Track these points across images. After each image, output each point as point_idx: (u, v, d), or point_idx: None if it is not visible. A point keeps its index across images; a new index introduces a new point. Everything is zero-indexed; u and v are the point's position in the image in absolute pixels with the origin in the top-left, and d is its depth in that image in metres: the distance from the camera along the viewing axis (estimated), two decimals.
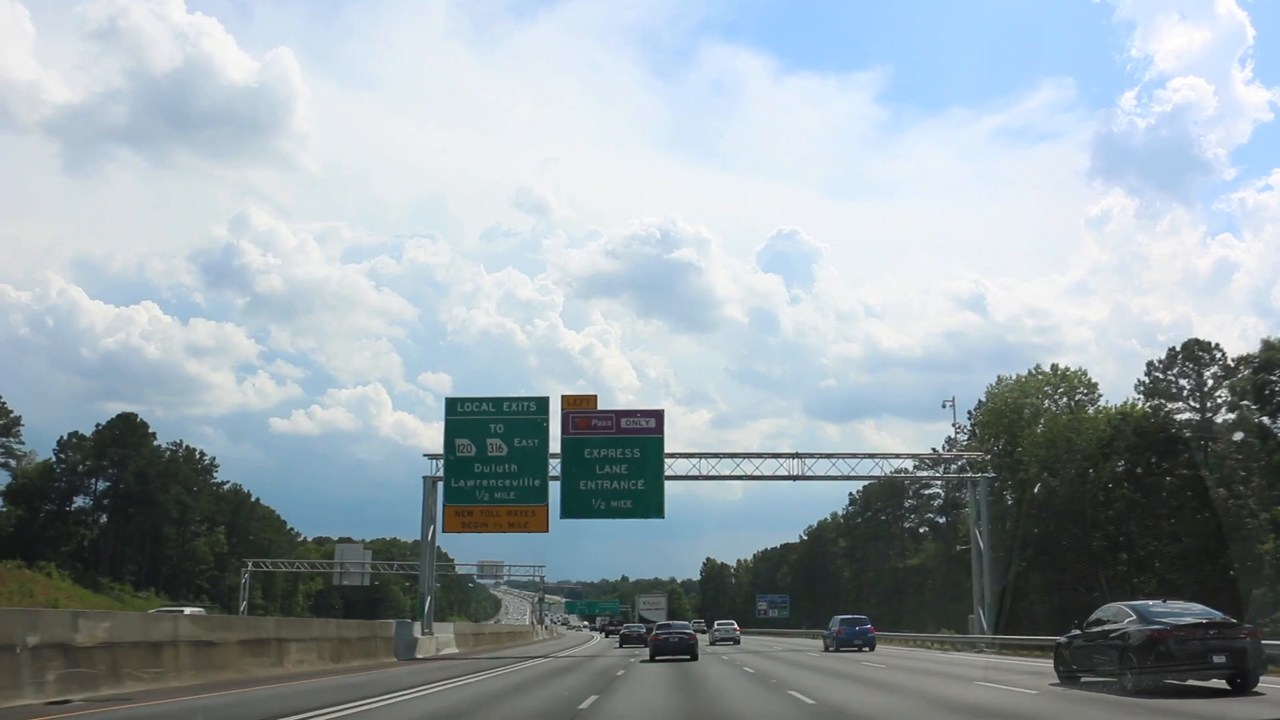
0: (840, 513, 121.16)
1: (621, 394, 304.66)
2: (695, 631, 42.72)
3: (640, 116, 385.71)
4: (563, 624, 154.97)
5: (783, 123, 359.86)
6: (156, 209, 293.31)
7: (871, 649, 43.67)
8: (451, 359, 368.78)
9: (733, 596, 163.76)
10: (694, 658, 35.95)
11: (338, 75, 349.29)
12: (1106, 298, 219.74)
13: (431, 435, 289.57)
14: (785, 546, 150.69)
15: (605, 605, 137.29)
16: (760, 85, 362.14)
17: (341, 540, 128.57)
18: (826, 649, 46.05)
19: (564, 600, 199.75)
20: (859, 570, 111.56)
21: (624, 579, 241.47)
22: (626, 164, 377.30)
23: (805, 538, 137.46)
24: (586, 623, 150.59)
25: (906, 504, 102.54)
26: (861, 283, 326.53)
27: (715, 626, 74.17)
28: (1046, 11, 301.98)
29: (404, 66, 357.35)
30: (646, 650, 40.26)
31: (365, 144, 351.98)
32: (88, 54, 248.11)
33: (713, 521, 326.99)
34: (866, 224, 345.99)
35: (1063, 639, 22.04)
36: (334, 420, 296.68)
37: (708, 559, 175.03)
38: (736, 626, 73.91)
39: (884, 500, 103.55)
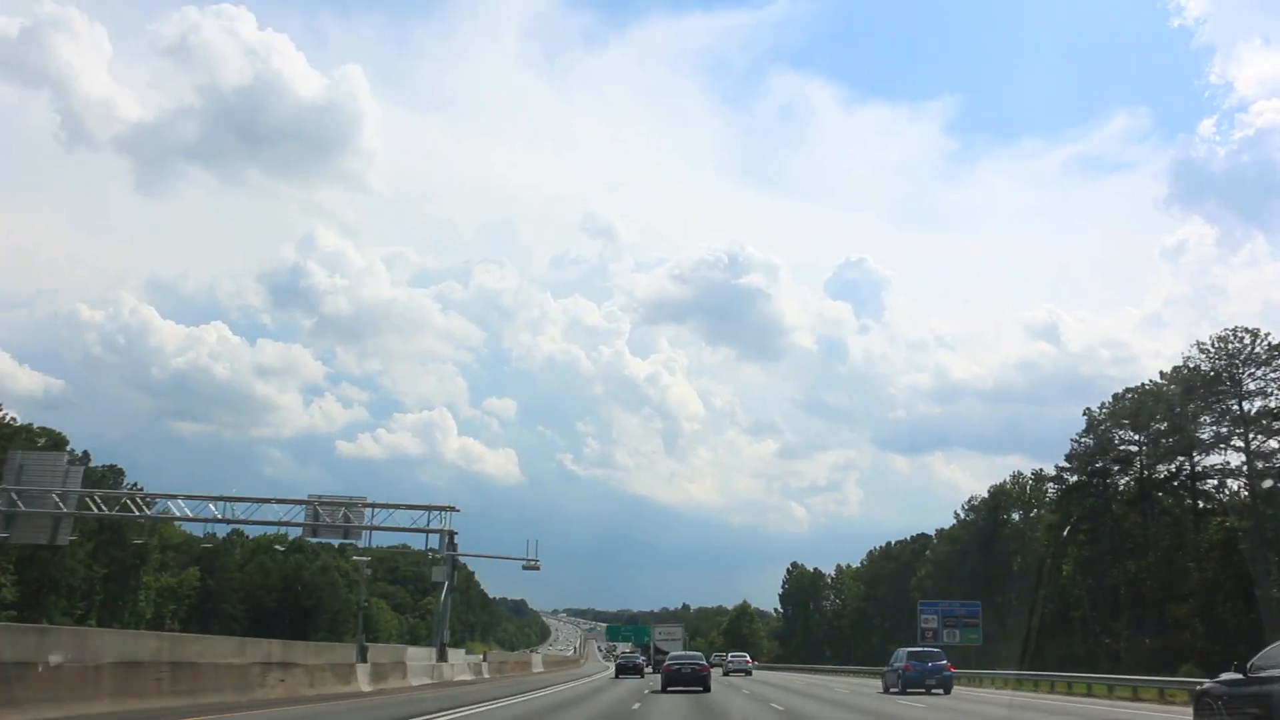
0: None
1: (686, 422, 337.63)
2: (710, 664, 43.64)
3: (708, 142, 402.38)
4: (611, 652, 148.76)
5: (851, 151, 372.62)
6: (225, 227, 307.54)
7: (947, 691, 39.48)
8: (517, 385, 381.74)
9: (831, 619, 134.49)
10: (706, 689, 37.11)
11: (407, 97, 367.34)
12: (1181, 331, 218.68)
13: (497, 461, 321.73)
14: (918, 538, 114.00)
15: (632, 632, 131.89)
16: (829, 113, 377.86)
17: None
18: (887, 690, 41.63)
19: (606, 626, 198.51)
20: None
21: (685, 607, 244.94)
22: (694, 190, 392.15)
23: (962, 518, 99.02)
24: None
25: None
26: (931, 312, 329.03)
27: (729, 658, 78.85)
28: (1121, 40, 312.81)
29: (475, 90, 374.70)
30: (658, 681, 42.07)
31: (434, 166, 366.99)
32: (161, 70, 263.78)
33: (775, 553, 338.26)
34: (936, 253, 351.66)
35: (1211, 683, 17.80)
36: (399, 444, 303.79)
37: (793, 565, 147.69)
38: (749, 658, 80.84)
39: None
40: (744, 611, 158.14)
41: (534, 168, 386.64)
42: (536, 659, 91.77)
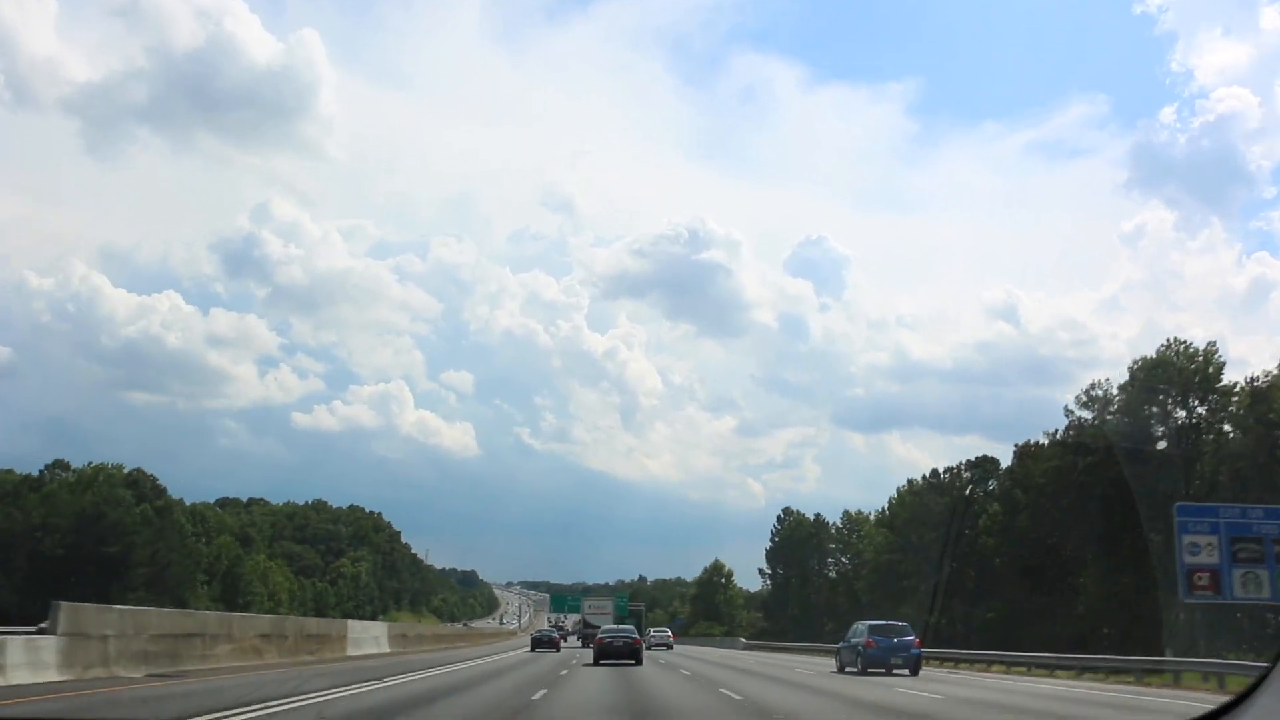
0: None
1: (645, 398, 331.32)
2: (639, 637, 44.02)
3: (669, 121, 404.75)
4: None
5: (812, 132, 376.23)
6: (178, 195, 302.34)
7: (914, 672, 34.20)
8: (474, 358, 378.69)
9: (837, 583, 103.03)
10: (638, 662, 38.88)
11: (366, 68, 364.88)
12: (1139, 315, 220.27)
13: (454, 435, 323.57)
14: (980, 461, 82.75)
15: (578, 603, 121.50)
16: (790, 94, 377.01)
17: None
18: (842, 669, 37.25)
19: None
20: None
21: (642, 579, 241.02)
22: (655, 167, 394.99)
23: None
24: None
25: None
26: (892, 292, 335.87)
27: (650, 633, 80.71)
28: (1082, 25, 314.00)
29: (435, 63, 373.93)
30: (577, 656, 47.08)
31: (393, 138, 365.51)
32: (110, 31, 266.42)
33: (733, 529, 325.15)
34: (897, 234, 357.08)
35: None
36: (355, 416, 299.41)
37: (786, 510, 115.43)
38: (669, 633, 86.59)
39: None
40: (717, 573, 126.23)
41: (494, 143, 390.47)
42: (459, 630, 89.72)
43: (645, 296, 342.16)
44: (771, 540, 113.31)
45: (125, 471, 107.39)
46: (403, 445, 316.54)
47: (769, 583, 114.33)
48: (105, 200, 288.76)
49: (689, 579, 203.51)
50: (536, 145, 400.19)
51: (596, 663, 37.66)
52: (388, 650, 45.72)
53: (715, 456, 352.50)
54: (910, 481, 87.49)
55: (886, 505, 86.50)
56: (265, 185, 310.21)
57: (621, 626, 48.89)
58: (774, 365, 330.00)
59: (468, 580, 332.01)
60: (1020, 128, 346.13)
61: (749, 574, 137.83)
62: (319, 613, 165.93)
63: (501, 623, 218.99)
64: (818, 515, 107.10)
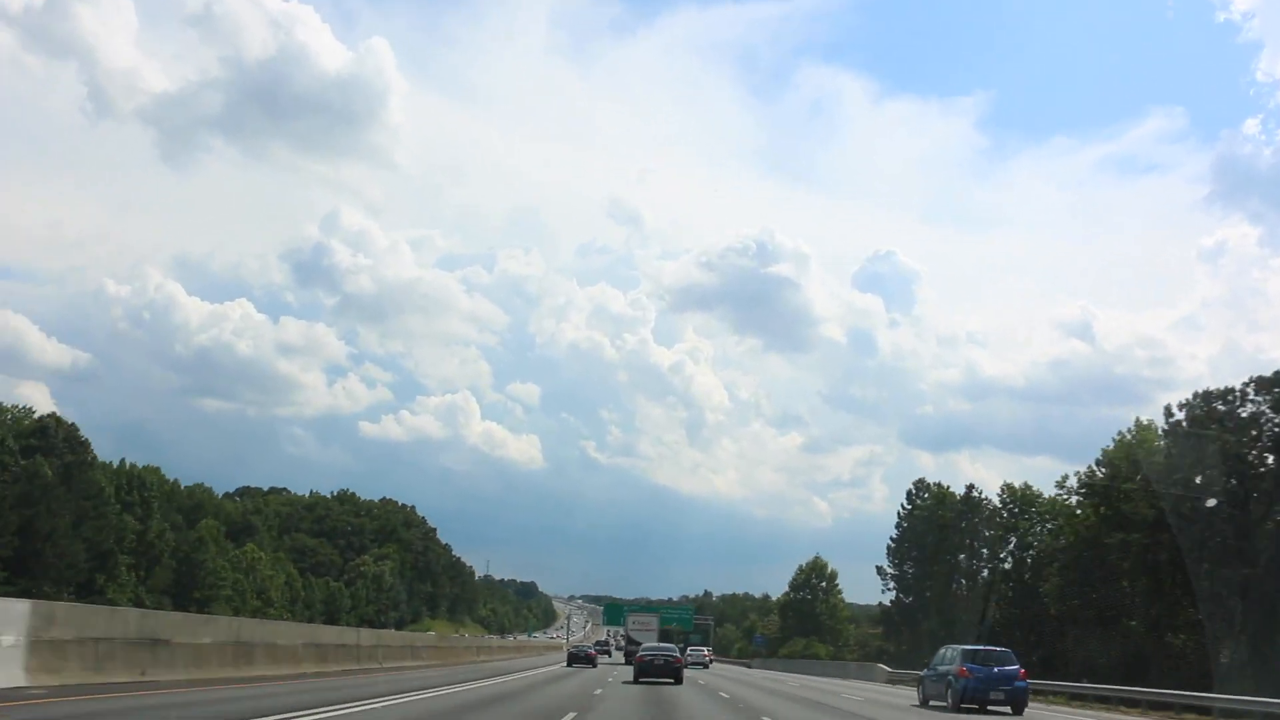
0: None
1: (711, 413, 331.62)
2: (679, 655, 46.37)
3: (736, 134, 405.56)
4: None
5: (881, 146, 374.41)
6: (249, 203, 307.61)
7: (1018, 710, 29.77)
8: (541, 370, 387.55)
9: (1014, 596, 67.43)
10: (678, 681, 38.97)
11: (435, 81, 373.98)
12: (1218, 334, 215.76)
13: (520, 446, 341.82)
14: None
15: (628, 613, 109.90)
16: (859, 108, 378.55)
17: None
18: (925, 702, 32.91)
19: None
20: None
21: (707, 594, 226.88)
22: (722, 180, 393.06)
23: None
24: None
25: None
26: (961, 308, 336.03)
27: (689, 650, 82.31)
28: (1158, 35, 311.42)
29: (502, 77, 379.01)
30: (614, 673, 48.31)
31: (461, 150, 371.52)
32: (186, 41, 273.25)
33: (797, 547, 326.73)
34: (966, 250, 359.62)
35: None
36: (422, 427, 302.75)
37: (919, 484, 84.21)
38: (705, 651, 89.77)
39: None
40: (816, 575, 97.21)
41: (561, 155, 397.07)
42: (493, 642, 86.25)
43: (712, 310, 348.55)
44: (897, 528, 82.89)
45: (36, 416, 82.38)
46: (469, 456, 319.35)
47: (891, 587, 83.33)
48: (180, 209, 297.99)
49: (756, 594, 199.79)
50: (603, 157, 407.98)
51: (636, 680, 38.19)
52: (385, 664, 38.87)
53: (781, 473, 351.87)
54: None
55: (1097, 464, 55.27)
56: (334, 194, 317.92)
57: (664, 645, 51.18)
58: (841, 381, 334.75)
59: (526, 591, 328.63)
60: (1093, 142, 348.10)
61: None
62: (331, 619, 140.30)
63: (551, 636, 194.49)
64: (970, 488, 75.64)
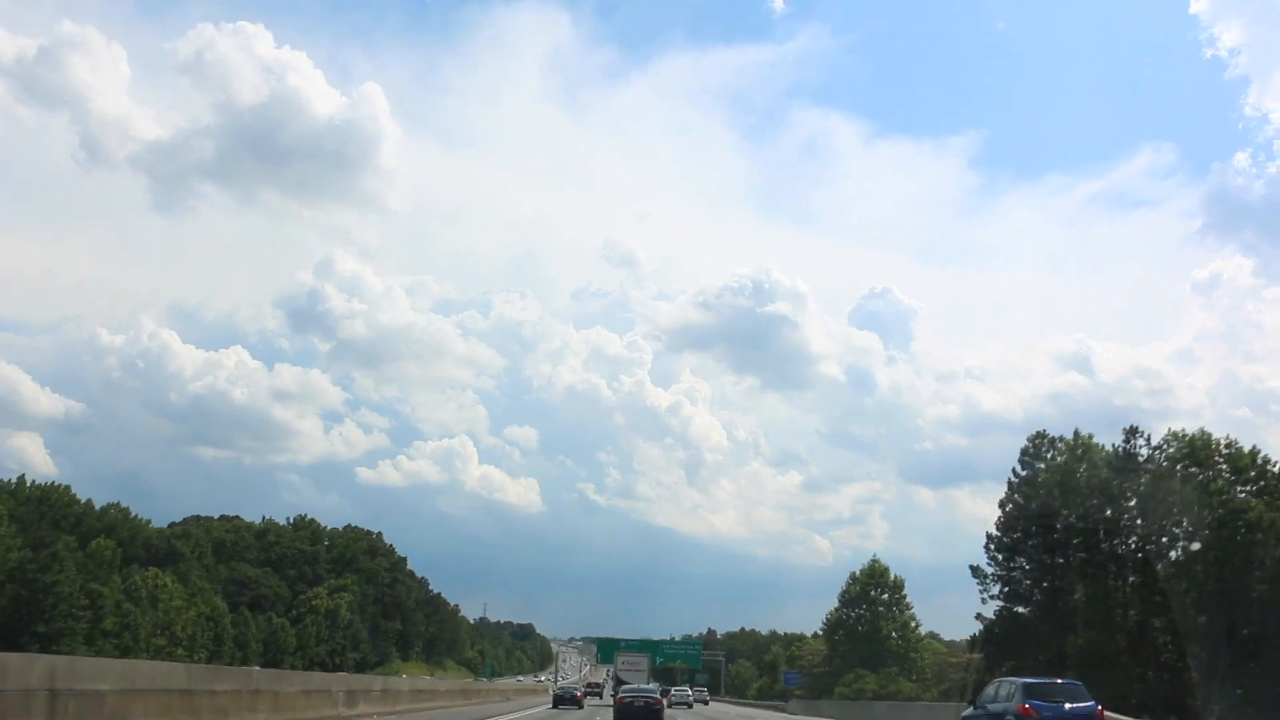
0: None
1: (709, 453, 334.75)
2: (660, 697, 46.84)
3: (730, 175, 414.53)
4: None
5: (874, 186, 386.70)
6: (243, 249, 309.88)
7: None
8: (538, 414, 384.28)
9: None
10: None
11: (428, 126, 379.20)
12: (1214, 365, 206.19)
13: (518, 490, 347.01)
14: None
15: (630, 645, 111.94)
16: (851, 149, 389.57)
17: None
18: None
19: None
20: None
21: (711, 632, 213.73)
22: (717, 221, 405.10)
23: None
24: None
25: None
26: (959, 344, 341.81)
27: (673, 691, 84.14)
28: (1147, 73, 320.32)
29: (495, 122, 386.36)
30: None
31: (455, 194, 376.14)
32: (177, 89, 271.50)
33: (799, 587, 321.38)
34: (962, 287, 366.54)
35: None
36: (420, 471, 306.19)
37: (1039, 435, 55.88)
38: (689, 690, 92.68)
39: None
40: (875, 581, 75.60)
41: (555, 199, 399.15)
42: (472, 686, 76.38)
43: (709, 350, 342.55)
44: (1002, 507, 54.99)
45: None
46: (466, 501, 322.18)
47: (997, 594, 55.18)
48: (173, 256, 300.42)
49: (765, 631, 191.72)
50: (598, 200, 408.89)
51: None
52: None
53: (780, 512, 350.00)
54: None
55: None
56: (328, 239, 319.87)
57: (645, 687, 53.57)
58: (840, 419, 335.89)
59: (523, 633, 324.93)
60: (1085, 179, 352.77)
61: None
62: (271, 662, 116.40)
63: (542, 680, 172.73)
64: (1133, 432, 46.58)
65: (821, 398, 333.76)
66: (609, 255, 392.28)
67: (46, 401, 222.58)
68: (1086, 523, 48.60)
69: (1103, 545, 48.03)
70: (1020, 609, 56.10)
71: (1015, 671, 45.37)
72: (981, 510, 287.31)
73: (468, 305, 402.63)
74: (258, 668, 32.33)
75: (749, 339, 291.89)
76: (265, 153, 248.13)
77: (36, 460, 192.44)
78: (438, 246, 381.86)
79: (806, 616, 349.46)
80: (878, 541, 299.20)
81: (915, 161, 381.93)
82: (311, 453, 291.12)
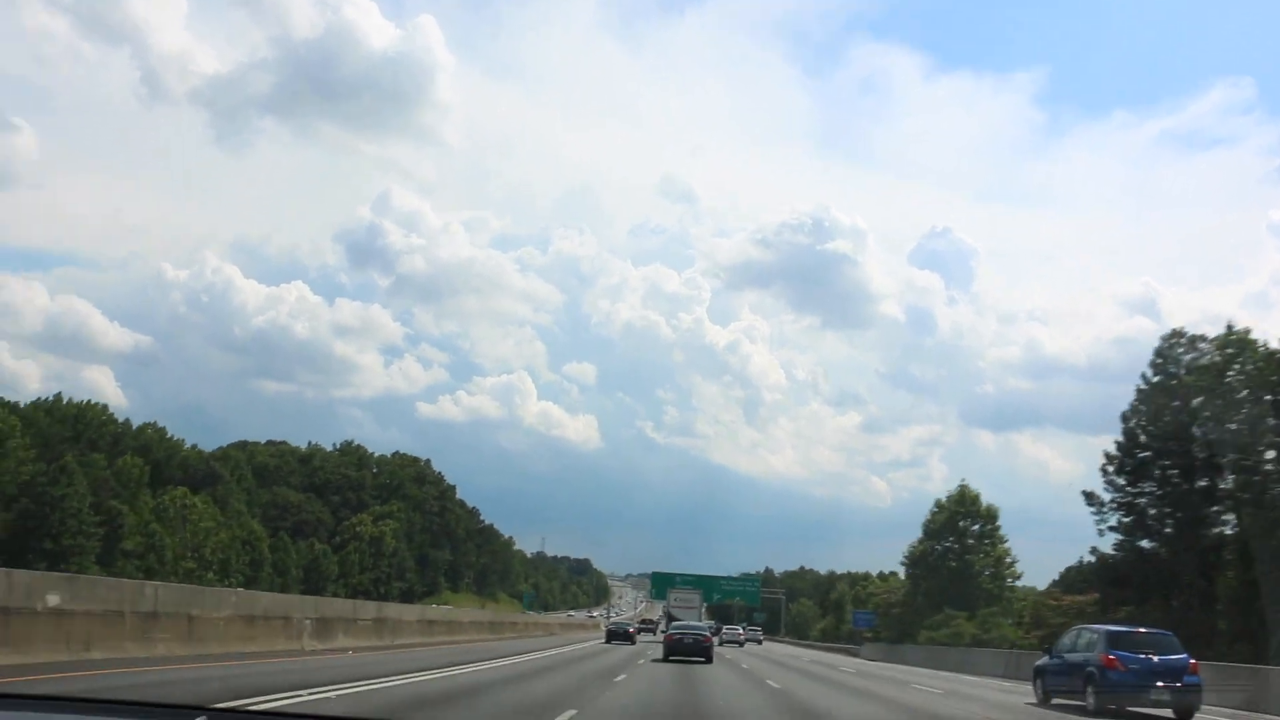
0: None
1: (768, 392, 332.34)
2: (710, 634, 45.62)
3: (789, 111, 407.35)
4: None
5: (934, 123, 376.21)
6: (302, 184, 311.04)
7: (1185, 717, 22.46)
8: (596, 350, 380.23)
9: None
10: (708, 660, 39.53)
11: (483, 61, 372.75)
12: None
13: (577, 427, 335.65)
14: None
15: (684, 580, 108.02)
16: (912, 84, 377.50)
17: None
18: (1046, 699, 25.58)
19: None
20: None
21: (769, 570, 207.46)
22: (775, 158, 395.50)
23: None
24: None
25: None
26: (1021, 285, 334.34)
27: (724, 630, 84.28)
28: (1222, 6, 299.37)
29: (551, 55, 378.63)
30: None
31: (511, 128, 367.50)
32: (235, 23, 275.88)
33: (856, 528, 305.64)
34: (1024, 227, 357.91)
35: None
36: (479, 407, 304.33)
37: (1175, 332, 46.26)
38: (740, 630, 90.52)
39: None
40: (964, 508, 67.84)
41: (612, 134, 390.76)
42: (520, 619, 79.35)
43: (769, 287, 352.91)
44: (1124, 421, 46.28)
45: None
46: (525, 437, 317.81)
47: (1117, 525, 46.44)
48: (233, 191, 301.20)
49: (821, 570, 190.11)
50: (655, 136, 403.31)
51: (666, 658, 38.72)
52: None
53: (839, 453, 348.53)
54: None
55: None
56: (385, 173, 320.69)
57: (695, 624, 52.33)
58: (900, 360, 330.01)
59: (580, 568, 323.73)
60: (1154, 116, 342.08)
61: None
62: (312, 589, 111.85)
63: (594, 616, 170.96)
64: None
65: (881, 337, 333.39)
66: (667, 191, 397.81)
67: (116, 335, 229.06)
68: (1240, 437, 40.11)
69: (1267, 466, 39.51)
70: (1146, 543, 48.26)
71: (1133, 618, 37.49)
72: (1043, 455, 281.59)
73: (526, 241, 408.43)
74: (162, 584, 25.73)
75: (808, 277, 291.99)
76: (322, 86, 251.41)
77: (108, 392, 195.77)
78: (494, 181, 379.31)
79: (864, 558, 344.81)
80: (936, 484, 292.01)
81: (977, 98, 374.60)
82: (373, 387, 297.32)
